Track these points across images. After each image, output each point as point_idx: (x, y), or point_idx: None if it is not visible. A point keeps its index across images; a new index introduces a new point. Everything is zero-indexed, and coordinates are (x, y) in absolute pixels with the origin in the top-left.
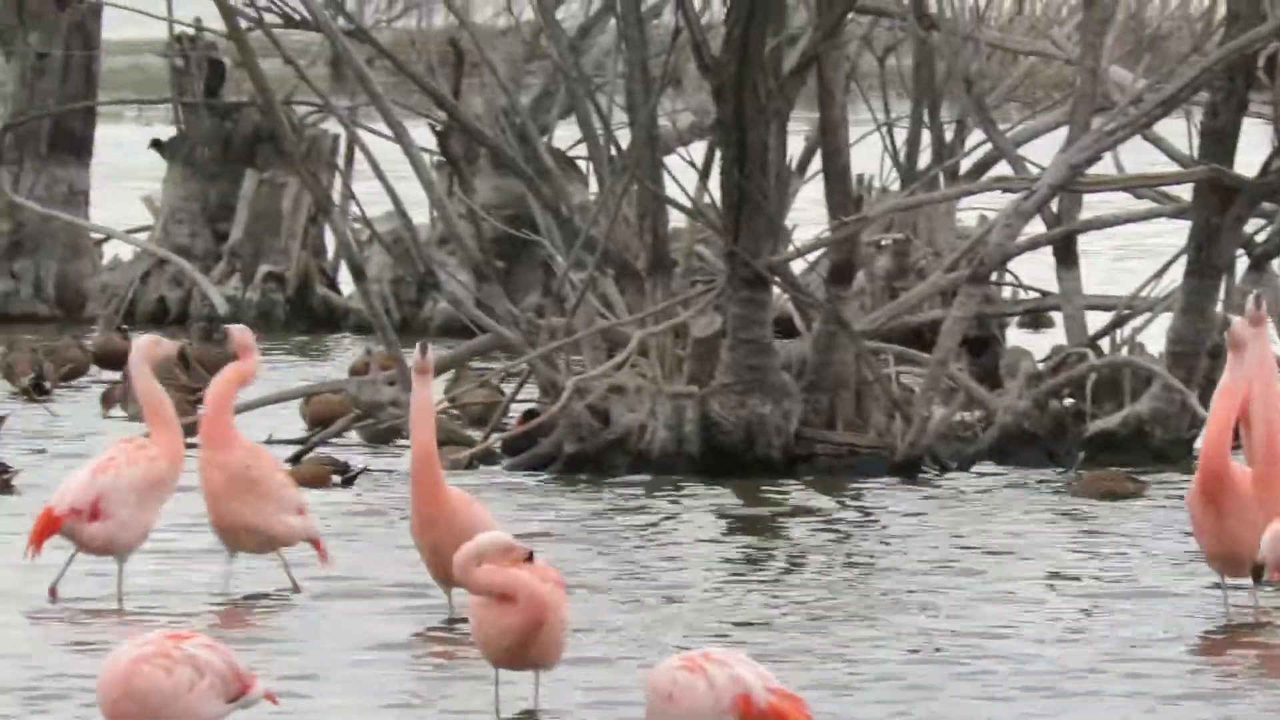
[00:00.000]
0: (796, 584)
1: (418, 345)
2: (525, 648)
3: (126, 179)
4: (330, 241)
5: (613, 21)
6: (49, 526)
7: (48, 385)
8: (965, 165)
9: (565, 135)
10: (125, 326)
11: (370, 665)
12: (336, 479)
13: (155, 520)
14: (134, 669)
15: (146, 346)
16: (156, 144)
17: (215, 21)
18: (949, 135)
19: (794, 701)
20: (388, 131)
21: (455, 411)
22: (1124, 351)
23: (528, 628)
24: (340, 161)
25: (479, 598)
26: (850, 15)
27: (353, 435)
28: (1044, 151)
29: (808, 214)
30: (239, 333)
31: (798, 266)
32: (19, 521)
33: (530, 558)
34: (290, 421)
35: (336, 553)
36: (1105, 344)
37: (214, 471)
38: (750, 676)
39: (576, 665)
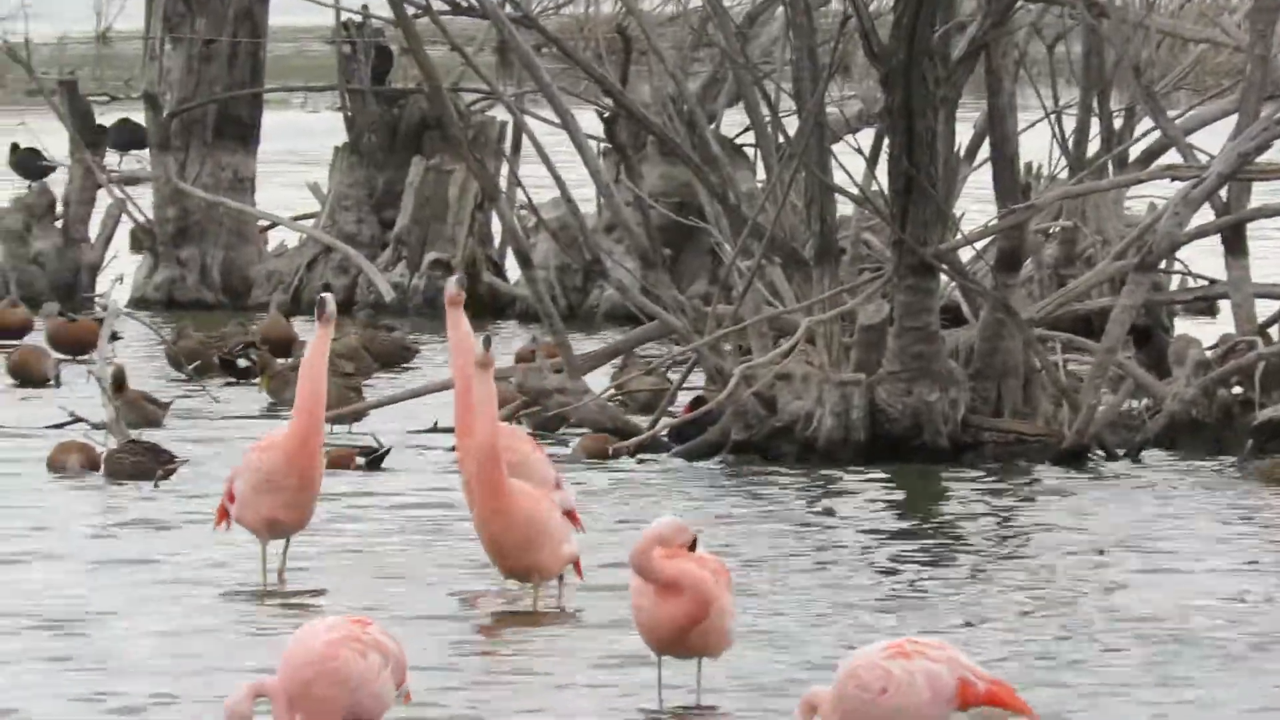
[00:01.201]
0: (961, 570)
1: (480, 339)
2: (688, 637)
3: (293, 166)
4: (497, 228)
5: (781, 9)
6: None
7: (244, 363)
8: (1134, 153)
9: (733, 122)
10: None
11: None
12: (361, 460)
13: (265, 509)
14: (331, 651)
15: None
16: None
17: (382, 8)
18: (1118, 123)
19: (1006, 687)
20: (555, 118)
21: (622, 398)
22: None
23: (691, 621)
24: (507, 148)
25: (642, 586)
26: (1019, 3)
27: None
28: (1213, 139)
29: (976, 202)
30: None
31: (965, 254)
32: (191, 504)
33: (694, 545)
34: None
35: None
36: (1274, 332)
37: (471, 460)
38: (965, 660)
39: (738, 653)
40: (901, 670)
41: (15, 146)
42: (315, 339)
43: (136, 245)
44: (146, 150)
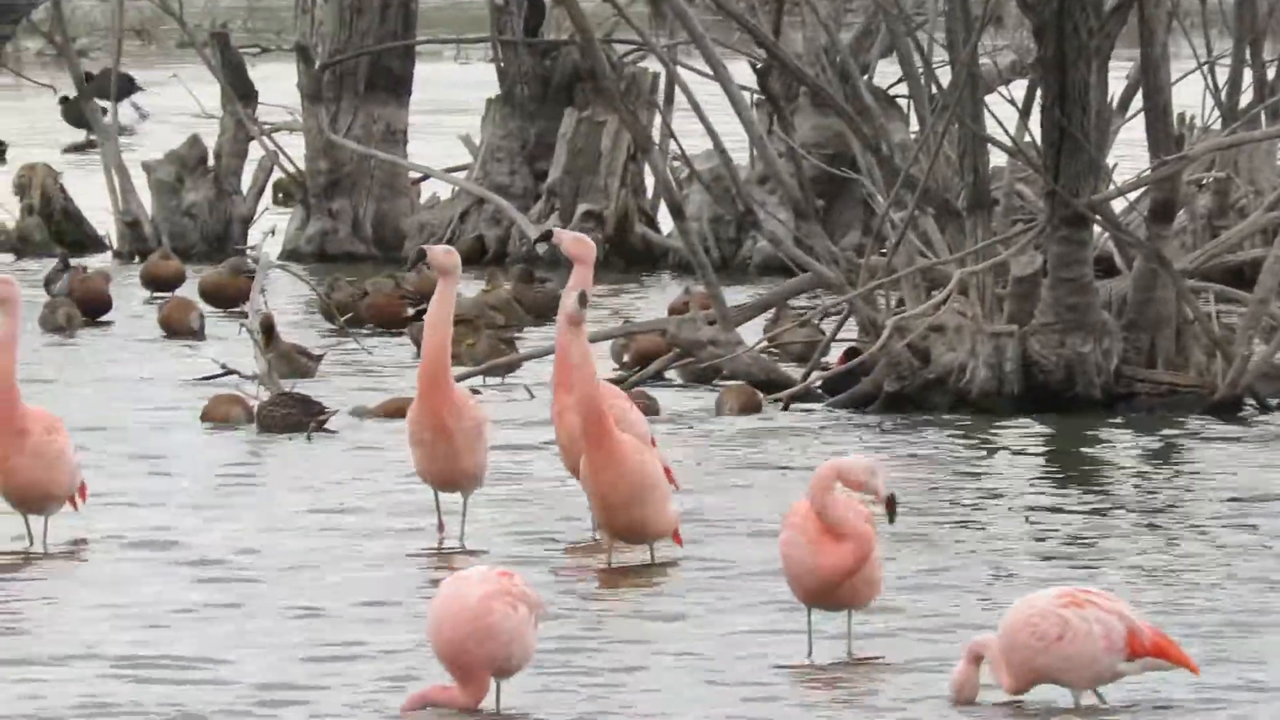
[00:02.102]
0: (1116, 522)
1: (575, 295)
2: (839, 589)
3: (445, 118)
4: (649, 180)
5: None
6: None
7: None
8: None
9: (886, 73)
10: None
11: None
12: None
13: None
14: (486, 606)
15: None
16: (64, 100)
17: None
18: (1271, 73)
19: (1170, 640)
20: (707, 69)
21: (775, 350)
22: None
23: (845, 572)
24: (659, 100)
25: (793, 536)
26: None
27: (672, 374)
28: None
29: (1129, 153)
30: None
31: (1118, 205)
32: (345, 456)
33: (891, 506)
34: (607, 362)
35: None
36: None
37: (570, 415)
38: (1130, 612)
39: (891, 602)
40: (1078, 618)
41: (65, 99)
42: (438, 291)
43: (286, 197)
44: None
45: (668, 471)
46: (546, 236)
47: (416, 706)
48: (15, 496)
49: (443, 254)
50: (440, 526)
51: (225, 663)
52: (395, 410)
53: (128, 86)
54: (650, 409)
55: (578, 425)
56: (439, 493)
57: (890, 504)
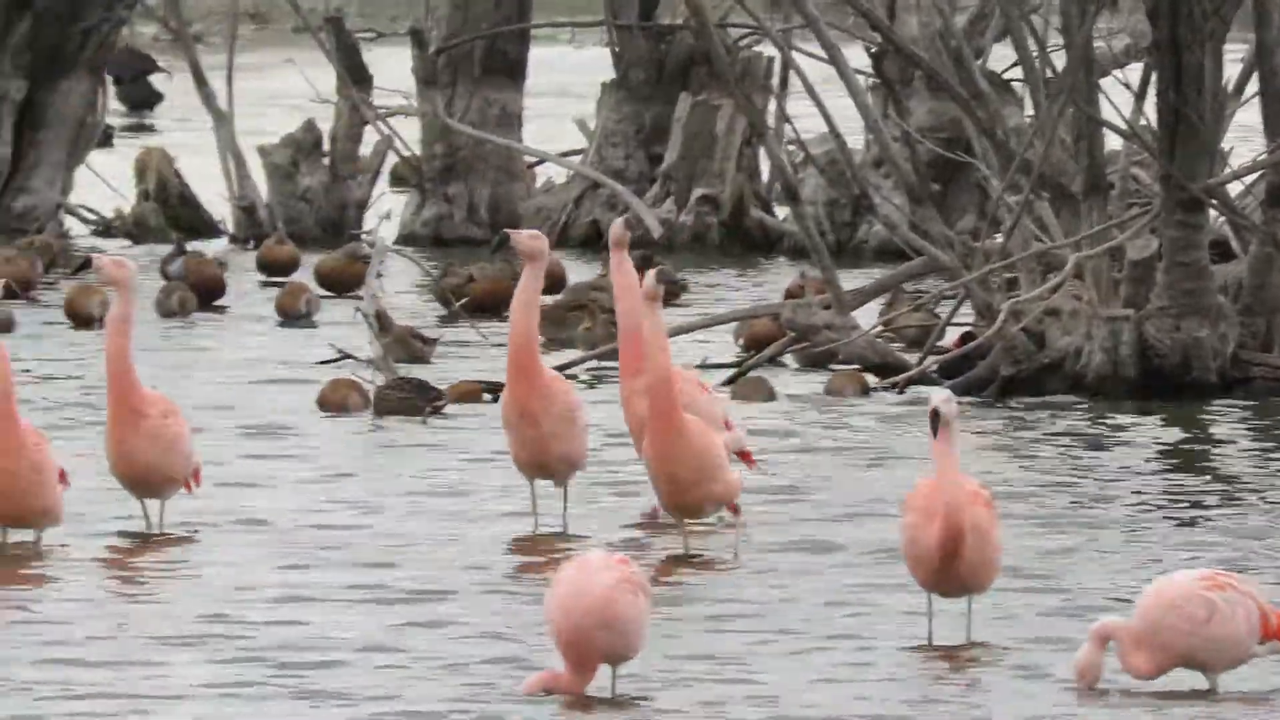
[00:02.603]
0: (1233, 506)
1: (659, 271)
2: (949, 570)
3: (560, 102)
4: (765, 164)
5: None
6: None
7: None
8: None
9: (1000, 57)
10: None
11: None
12: (489, 396)
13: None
14: (614, 596)
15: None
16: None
17: None
18: None
19: None
20: (822, 53)
21: (890, 334)
22: None
23: (943, 547)
24: (775, 84)
25: (915, 520)
26: None
27: (788, 358)
28: None
29: (1245, 137)
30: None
31: (1234, 189)
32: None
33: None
34: (726, 345)
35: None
36: None
37: (638, 400)
38: (1260, 595)
39: (1008, 587)
40: (1224, 600)
41: (118, 80)
42: (524, 276)
43: (400, 181)
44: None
45: (745, 454)
46: (504, 240)
47: (536, 689)
48: (131, 479)
49: (528, 238)
50: (534, 512)
51: (340, 642)
52: (464, 394)
53: (146, 67)
54: (767, 393)
55: (645, 410)
56: (533, 479)
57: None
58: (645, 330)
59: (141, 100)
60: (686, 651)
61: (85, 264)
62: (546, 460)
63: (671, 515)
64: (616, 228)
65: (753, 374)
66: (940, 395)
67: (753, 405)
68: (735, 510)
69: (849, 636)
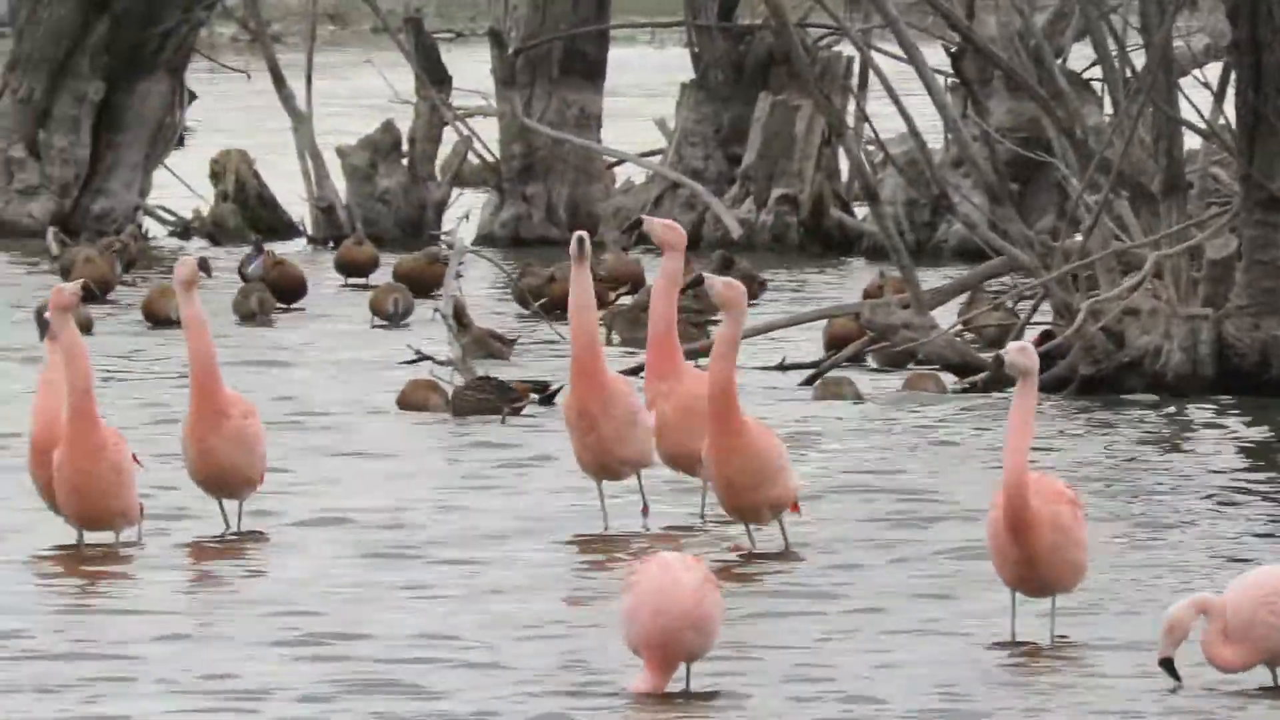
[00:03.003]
0: None
1: (726, 279)
2: (1031, 568)
3: (639, 102)
4: (844, 164)
5: None
6: None
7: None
8: None
9: (1080, 57)
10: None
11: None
12: (534, 396)
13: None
14: (701, 596)
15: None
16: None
17: None
18: None
19: None
20: (902, 53)
21: (969, 333)
22: None
23: (1007, 519)
24: (854, 84)
25: (995, 514)
26: None
27: (867, 358)
28: None
29: None
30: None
31: None
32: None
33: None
34: (805, 345)
35: None
36: None
37: (663, 403)
38: None
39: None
40: None
41: None
42: (575, 278)
43: (459, 181)
44: None
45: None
46: (637, 224)
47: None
48: (211, 480)
49: (663, 228)
50: (603, 512)
51: (415, 640)
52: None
53: None
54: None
55: (668, 414)
56: (599, 480)
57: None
58: (716, 336)
59: None
60: (766, 642)
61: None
62: (608, 462)
63: (731, 517)
64: (656, 228)
65: (837, 373)
66: (1015, 345)
67: (838, 404)
68: (797, 510)
69: (929, 632)
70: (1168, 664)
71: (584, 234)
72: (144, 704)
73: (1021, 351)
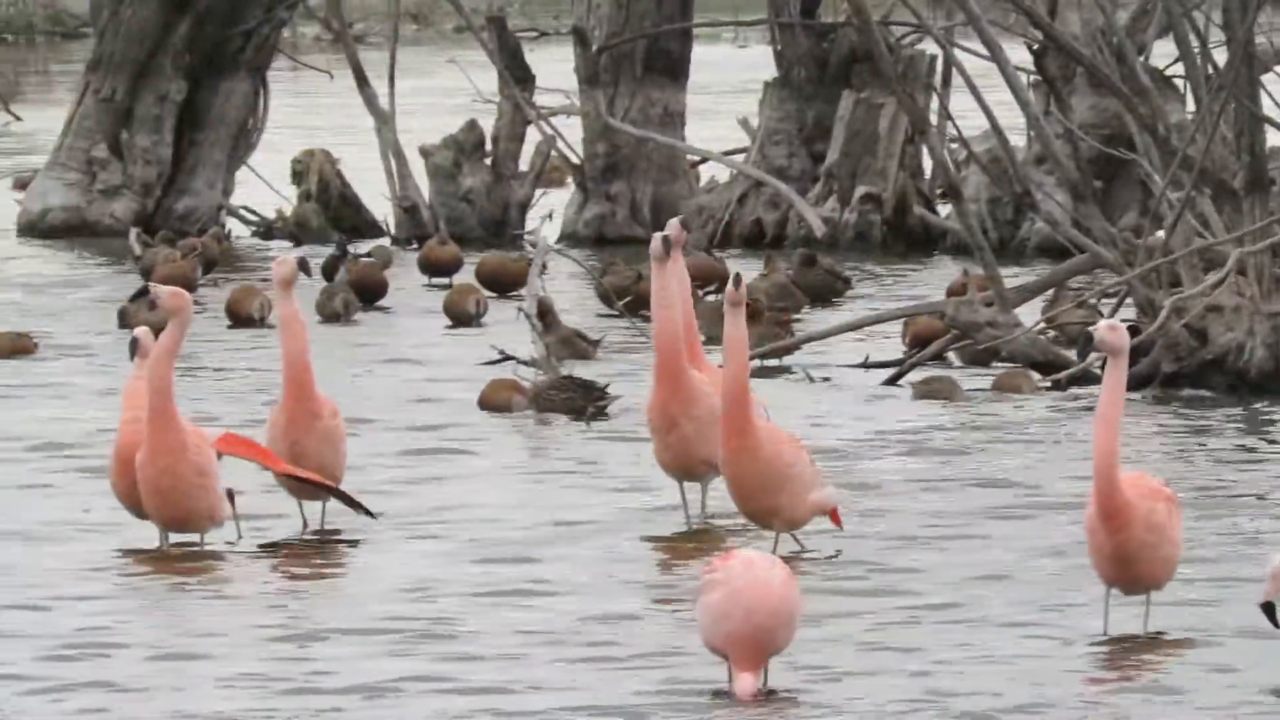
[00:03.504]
0: None
1: (732, 276)
2: (1124, 565)
3: (722, 100)
4: (927, 162)
5: None
6: None
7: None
8: None
9: (1162, 54)
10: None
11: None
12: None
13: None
14: (789, 593)
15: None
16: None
17: None
18: None
19: None
20: (984, 51)
21: (1053, 331)
22: None
23: (1101, 510)
24: (936, 81)
25: (1091, 510)
26: None
27: (951, 356)
28: None
29: None
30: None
31: None
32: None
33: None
34: (888, 343)
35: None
36: None
37: (671, 406)
38: None
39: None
40: None
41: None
42: (656, 277)
43: (554, 179)
44: None
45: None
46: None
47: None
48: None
49: (677, 229)
50: (685, 510)
51: (509, 634)
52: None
53: None
54: None
55: (668, 418)
56: (680, 481)
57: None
58: (726, 334)
59: None
60: (859, 637)
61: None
62: (689, 464)
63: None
64: (672, 228)
65: (939, 373)
66: (1105, 323)
67: (940, 403)
68: (837, 523)
69: (1023, 625)
70: (1268, 608)
71: (669, 232)
72: (239, 701)
73: (1111, 329)
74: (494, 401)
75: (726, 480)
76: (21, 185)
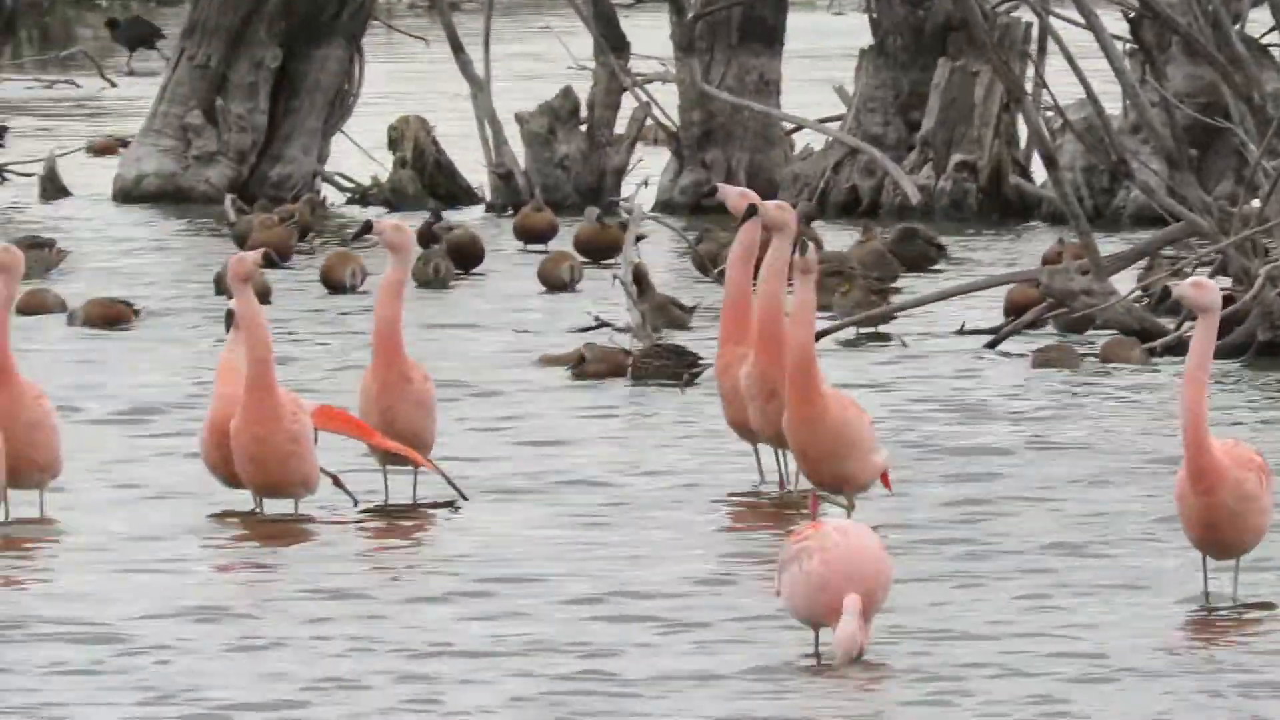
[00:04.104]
0: None
1: (799, 244)
2: (1213, 529)
3: (818, 68)
4: (1023, 130)
5: None
6: None
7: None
8: None
9: (1258, 22)
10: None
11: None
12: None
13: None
14: (885, 557)
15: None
16: (111, 24)
17: None
18: None
19: None
20: (1080, 19)
21: (1149, 300)
22: None
23: (1190, 474)
24: (1032, 49)
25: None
26: None
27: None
28: None
29: None
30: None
31: None
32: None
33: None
34: (984, 311)
35: None
36: None
37: (737, 368)
38: None
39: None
40: None
41: (111, 22)
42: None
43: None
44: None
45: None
46: (713, 192)
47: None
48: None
49: (775, 209)
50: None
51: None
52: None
53: (149, 35)
54: None
55: (743, 380)
56: (776, 449)
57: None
58: (795, 301)
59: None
60: (959, 600)
61: (366, 228)
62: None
63: (817, 489)
64: (726, 193)
65: (1057, 340)
66: (1191, 280)
67: (1059, 371)
68: (888, 485)
69: (1123, 587)
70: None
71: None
72: (362, 662)
73: (1197, 286)
74: (590, 369)
75: (794, 448)
76: (98, 150)
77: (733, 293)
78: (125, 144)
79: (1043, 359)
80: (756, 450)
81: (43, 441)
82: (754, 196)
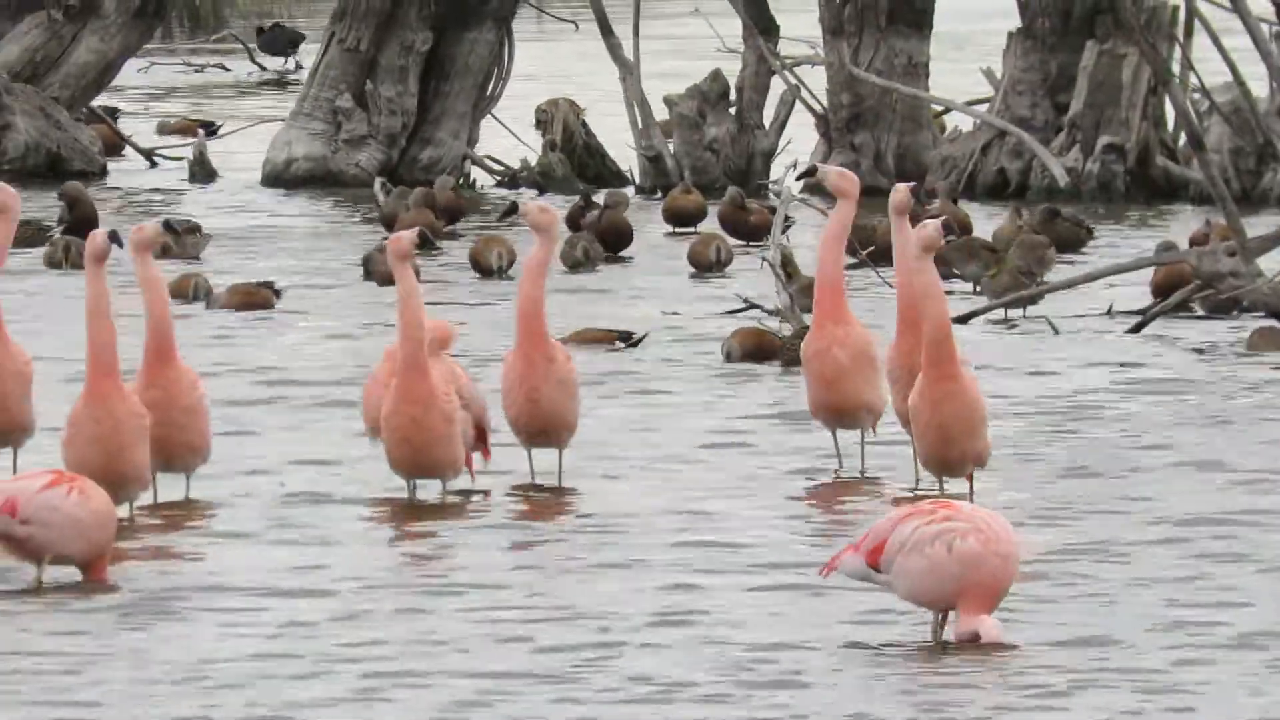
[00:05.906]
0: None
1: (935, 222)
2: None
3: (966, 50)
4: (1170, 112)
5: None
6: None
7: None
8: None
9: None
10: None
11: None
12: (620, 344)
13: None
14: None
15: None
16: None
17: None
18: None
19: None
20: (1226, 2)
21: None
22: None
23: None
24: (1179, 32)
25: None
26: None
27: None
28: None
29: None
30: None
31: None
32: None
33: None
34: (1134, 292)
35: None
36: None
37: (839, 350)
38: None
39: None
40: None
41: (260, 29)
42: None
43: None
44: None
45: None
46: (811, 173)
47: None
48: (536, 426)
49: (836, 176)
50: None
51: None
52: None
53: (294, 40)
54: None
55: (844, 361)
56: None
57: None
58: (922, 283)
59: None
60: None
61: (512, 209)
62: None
63: (930, 472)
64: (831, 175)
65: (1267, 325)
66: None
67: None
68: (980, 464)
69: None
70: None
71: (896, 199)
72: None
73: None
74: (737, 351)
75: (926, 427)
76: (172, 131)
77: (827, 273)
78: (205, 125)
79: (1256, 342)
80: (835, 437)
81: (197, 427)
82: (852, 177)
